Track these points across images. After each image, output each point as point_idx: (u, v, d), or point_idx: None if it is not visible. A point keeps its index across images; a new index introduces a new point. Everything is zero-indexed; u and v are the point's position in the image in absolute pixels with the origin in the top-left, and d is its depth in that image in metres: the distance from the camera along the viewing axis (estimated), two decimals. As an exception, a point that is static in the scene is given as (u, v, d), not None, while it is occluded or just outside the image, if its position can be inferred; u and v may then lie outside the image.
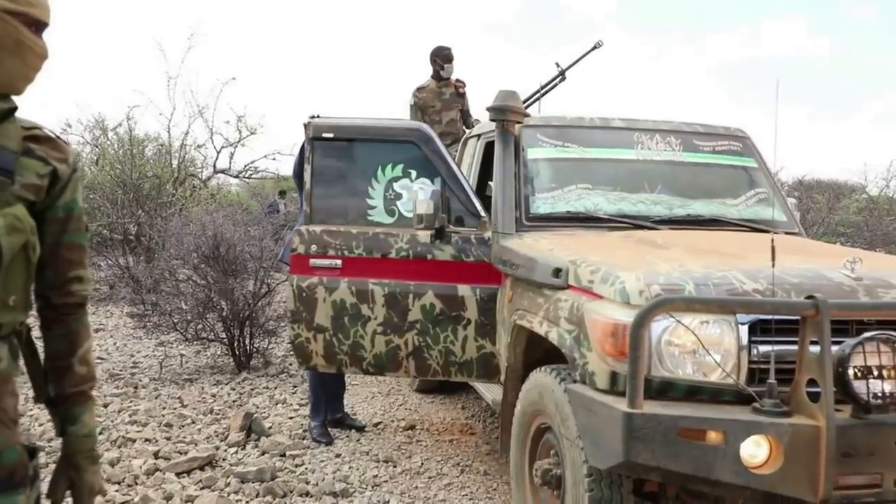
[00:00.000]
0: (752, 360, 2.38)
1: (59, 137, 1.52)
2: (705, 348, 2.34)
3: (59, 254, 1.52)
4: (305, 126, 3.93)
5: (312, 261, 3.79)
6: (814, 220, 10.33)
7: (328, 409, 4.65)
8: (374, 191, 3.85)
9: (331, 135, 3.89)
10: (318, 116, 4.01)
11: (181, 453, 4.12)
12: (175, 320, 6.25)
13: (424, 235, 3.69)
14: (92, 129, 12.56)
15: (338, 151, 3.94)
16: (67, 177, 1.50)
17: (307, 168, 3.91)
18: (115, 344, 7.20)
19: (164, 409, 5.04)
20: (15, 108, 1.44)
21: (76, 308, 1.56)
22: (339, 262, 3.77)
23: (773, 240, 2.38)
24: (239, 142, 13.28)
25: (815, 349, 2.23)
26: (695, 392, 2.40)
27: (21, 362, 1.52)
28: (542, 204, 3.63)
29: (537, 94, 5.28)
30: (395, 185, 3.83)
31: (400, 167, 3.84)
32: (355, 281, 3.73)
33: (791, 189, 12.62)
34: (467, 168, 4.66)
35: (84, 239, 1.56)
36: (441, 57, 6.21)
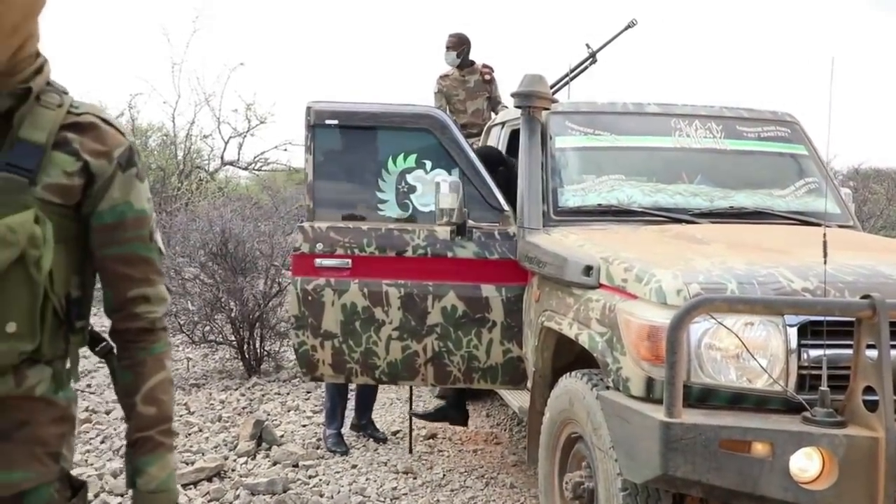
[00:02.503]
0: (802, 365, 2.34)
1: (111, 124, 1.34)
2: (750, 352, 2.31)
3: (113, 269, 1.35)
4: (306, 111, 3.82)
5: (318, 260, 3.68)
6: (871, 213, 10.15)
7: (355, 412, 4.69)
8: (384, 183, 3.77)
9: (335, 121, 3.79)
10: None
11: (188, 463, 4.15)
12: (181, 322, 6.31)
13: (443, 231, 3.64)
14: (93, 119, 12.70)
15: (343, 140, 3.84)
16: (109, 174, 1.31)
17: (307, 158, 3.80)
18: (118, 347, 7.29)
19: (169, 416, 5.08)
20: (30, 89, 1.26)
21: (142, 333, 1.39)
22: (348, 261, 3.67)
23: (824, 234, 2.33)
24: (248, 131, 13.36)
25: (872, 353, 2.19)
26: (738, 400, 2.37)
27: (75, 385, 1.38)
28: (572, 196, 3.60)
29: (566, 79, 5.24)
30: (409, 177, 3.76)
31: (413, 157, 3.76)
32: (367, 282, 3.65)
33: (846, 178, 12.43)
34: (491, 158, 4.64)
35: (149, 251, 1.38)
36: (446, 43, 6.17)
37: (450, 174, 3.69)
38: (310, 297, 3.68)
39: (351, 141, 3.85)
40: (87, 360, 6.67)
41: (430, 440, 4.71)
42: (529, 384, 3.47)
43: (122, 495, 3.78)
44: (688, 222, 3.47)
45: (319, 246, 3.70)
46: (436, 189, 3.55)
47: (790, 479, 2.16)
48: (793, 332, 2.34)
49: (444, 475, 4.15)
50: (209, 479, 3.97)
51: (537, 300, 3.34)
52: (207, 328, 6.34)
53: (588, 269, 2.85)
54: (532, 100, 3.70)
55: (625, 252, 2.83)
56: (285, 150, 13.48)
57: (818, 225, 3.42)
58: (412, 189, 3.76)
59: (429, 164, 3.77)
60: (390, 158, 3.77)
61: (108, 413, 5.10)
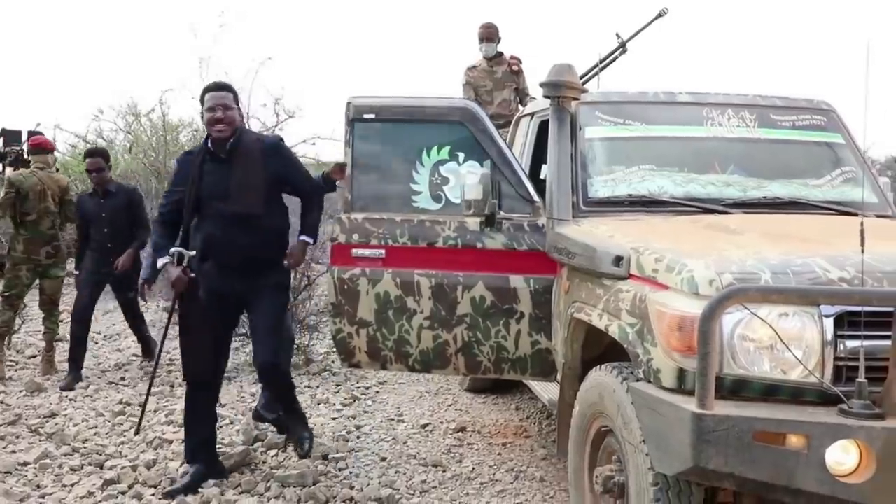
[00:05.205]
0: (839, 356, 2.30)
1: None
2: (784, 343, 2.27)
3: None
4: (346, 106, 3.93)
5: (354, 250, 3.79)
6: (909, 202, 9.95)
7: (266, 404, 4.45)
8: (418, 175, 3.83)
9: (372, 115, 3.89)
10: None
11: (219, 455, 4.20)
12: (212, 316, 6.36)
13: (473, 223, 3.67)
14: (125, 115, 12.87)
15: (380, 133, 3.94)
16: None
17: (346, 151, 3.92)
18: (151, 341, 7.39)
19: (201, 408, 5.14)
20: None
21: None
22: (382, 251, 3.77)
23: (861, 223, 2.29)
24: (276, 125, 13.39)
25: (911, 344, 2.15)
26: (772, 392, 2.34)
27: None
28: (602, 187, 3.58)
29: (596, 69, 5.20)
30: (442, 169, 3.81)
31: (447, 149, 3.82)
32: (400, 272, 3.74)
33: (884, 167, 12.19)
34: (520, 149, 4.63)
35: None
36: (478, 35, 6.20)
37: (482, 165, 3.71)
38: (346, 286, 3.78)
39: (387, 134, 3.94)
40: (121, 353, 6.79)
41: (460, 433, 4.72)
42: (559, 376, 3.46)
43: (155, 486, 3.84)
44: (720, 212, 3.43)
45: (356, 236, 3.80)
46: (462, 180, 3.60)
47: (826, 472, 2.13)
48: (829, 323, 2.30)
49: (473, 468, 4.16)
50: (240, 472, 4.01)
51: (567, 291, 3.33)
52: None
53: (618, 260, 2.83)
54: (561, 89, 3.68)
55: (656, 242, 2.81)
56: (313, 143, 13.46)
57: (855, 215, 3.37)
58: (445, 181, 3.81)
59: (462, 155, 3.80)
60: (424, 151, 3.83)
61: (141, 406, 5.17)
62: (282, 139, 4.32)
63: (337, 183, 4.12)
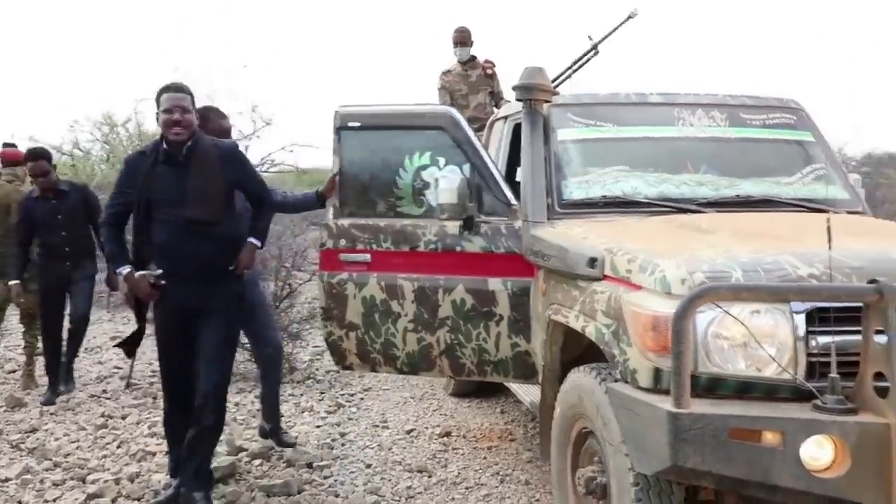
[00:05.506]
0: (811, 352, 2.32)
1: None
2: (757, 340, 2.29)
3: None
4: (333, 115, 3.99)
5: (342, 255, 3.88)
6: (885, 198, 10.08)
7: (263, 417, 4.52)
8: (402, 180, 3.89)
9: (357, 123, 3.96)
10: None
11: (203, 467, 4.17)
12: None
13: (453, 227, 3.71)
14: (100, 125, 12.78)
15: (365, 141, 4.01)
16: None
17: (334, 159, 3.98)
18: (132, 353, 7.34)
19: (184, 420, 5.11)
20: None
21: None
22: (367, 256, 3.85)
23: (828, 219, 2.32)
24: (254, 133, 13.33)
25: (881, 339, 2.17)
26: (747, 389, 2.35)
27: None
28: (576, 189, 3.60)
29: (568, 71, 5.23)
30: (424, 174, 3.86)
31: (428, 155, 3.87)
32: (384, 276, 3.82)
33: (859, 164, 12.34)
34: (495, 153, 4.64)
35: None
36: (452, 40, 6.23)
37: (461, 170, 3.75)
38: (334, 291, 3.89)
39: (373, 141, 4.01)
40: (103, 365, 6.74)
41: (445, 438, 4.72)
42: (540, 378, 3.47)
43: (139, 499, 3.82)
44: (693, 212, 3.45)
45: (343, 241, 3.90)
46: (435, 185, 3.66)
47: (802, 467, 2.15)
48: (800, 319, 2.32)
49: (458, 473, 4.16)
50: (225, 482, 3.99)
51: (544, 293, 3.34)
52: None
53: (592, 261, 2.85)
54: (533, 92, 3.71)
55: (629, 243, 2.83)
56: (291, 151, 13.41)
57: (826, 211, 3.41)
58: (426, 185, 3.86)
59: (442, 160, 3.85)
60: (407, 157, 3.89)
61: (123, 418, 5.14)
62: (237, 144, 4.19)
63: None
